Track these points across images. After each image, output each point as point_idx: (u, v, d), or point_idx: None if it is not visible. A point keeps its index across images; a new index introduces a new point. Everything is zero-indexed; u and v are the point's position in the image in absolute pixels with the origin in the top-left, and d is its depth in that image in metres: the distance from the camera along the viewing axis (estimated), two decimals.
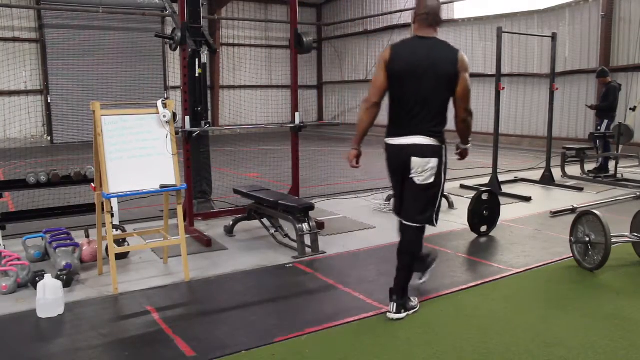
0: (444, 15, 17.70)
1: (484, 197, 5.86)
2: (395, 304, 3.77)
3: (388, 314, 3.78)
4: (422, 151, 3.67)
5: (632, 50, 12.97)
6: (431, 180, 3.69)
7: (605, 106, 9.92)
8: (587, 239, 4.69)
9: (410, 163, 3.69)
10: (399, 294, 3.79)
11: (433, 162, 3.67)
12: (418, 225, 3.80)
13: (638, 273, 4.68)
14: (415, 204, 3.77)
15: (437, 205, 3.81)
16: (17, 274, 4.28)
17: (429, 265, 4.40)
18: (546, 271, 4.76)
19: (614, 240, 4.54)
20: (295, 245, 5.26)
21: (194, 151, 6.58)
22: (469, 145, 4.03)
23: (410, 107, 3.70)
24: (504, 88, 8.20)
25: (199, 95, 6.40)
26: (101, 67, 16.91)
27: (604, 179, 9.18)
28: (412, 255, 3.86)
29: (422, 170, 3.67)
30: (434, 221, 3.83)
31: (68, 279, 4.32)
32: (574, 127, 14.28)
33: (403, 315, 3.77)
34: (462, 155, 4.12)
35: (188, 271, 4.55)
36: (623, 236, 4.86)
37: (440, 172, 3.72)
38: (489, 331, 3.55)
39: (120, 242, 5.01)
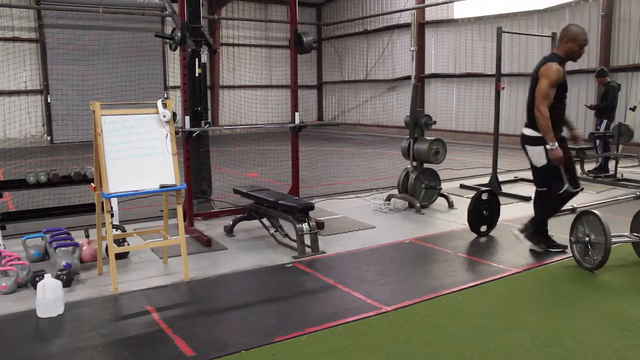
0: (444, 15, 17.73)
1: (484, 197, 5.86)
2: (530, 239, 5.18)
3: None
4: (529, 140, 4.91)
5: (632, 50, 12.97)
6: (543, 162, 4.83)
7: (605, 106, 9.93)
8: (587, 238, 4.69)
9: (526, 149, 4.98)
10: (536, 233, 5.17)
11: (538, 148, 4.83)
12: (539, 189, 5.12)
13: (638, 273, 4.68)
14: (535, 177, 5.13)
15: (558, 179, 4.87)
16: (17, 273, 4.29)
17: (549, 245, 5.21)
18: (546, 271, 4.76)
19: (613, 240, 4.54)
20: (295, 245, 5.26)
21: (194, 151, 6.59)
22: (549, 146, 4.74)
23: (526, 104, 5.03)
24: (503, 88, 8.21)
25: (199, 95, 6.40)
26: (101, 67, 16.94)
27: (604, 178, 9.18)
28: (535, 212, 5.20)
29: (532, 154, 4.91)
30: (555, 192, 4.93)
31: (68, 278, 4.32)
32: None
33: (539, 249, 5.16)
34: (550, 155, 4.79)
35: (188, 271, 4.56)
36: (623, 236, 4.86)
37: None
38: (489, 331, 3.55)
39: (120, 242, 5.01)
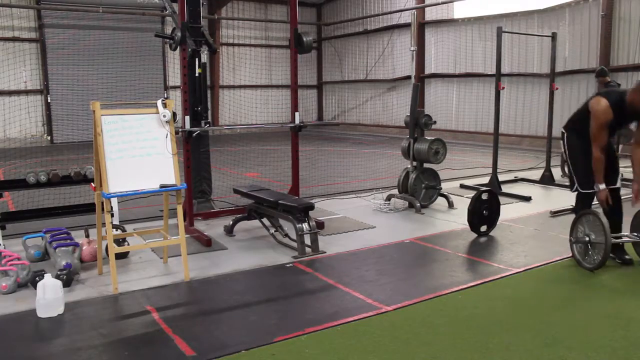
0: (444, 15, 17.73)
1: (484, 196, 5.86)
2: None
3: None
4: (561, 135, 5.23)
5: (632, 49, 12.97)
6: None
7: None
8: (587, 238, 4.69)
9: None
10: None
11: (562, 143, 5.19)
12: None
13: (638, 273, 4.68)
14: None
15: (574, 175, 4.96)
16: (17, 273, 4.29)
17: None
18: (546, 271, 4.76)
19: (614, 240, 4.54)
20: (295, 245, 5.26)
21: (194, 151, 6.59)
22: (596, 187, 4.75)
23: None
24: (503, 88, 8.20)
25: (199, 95, 6.40)
26: (101, 67, 16.94)
27: None
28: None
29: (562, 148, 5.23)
30: (574, 189, 5.00)
31: (68, 278, 4.32)
32: None
33: None
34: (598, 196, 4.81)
35: (188, 271, 4.56)
36: (623, 236, 4.86)
37: (565, 152, 5.12)
38: (489, 331, 3.55)
39: (120, 241, 5.01)
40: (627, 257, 4.84)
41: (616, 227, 4.89)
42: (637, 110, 4.66)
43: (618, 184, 5.00)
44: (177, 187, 4.55)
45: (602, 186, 4.71)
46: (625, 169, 9.95)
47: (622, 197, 7.65)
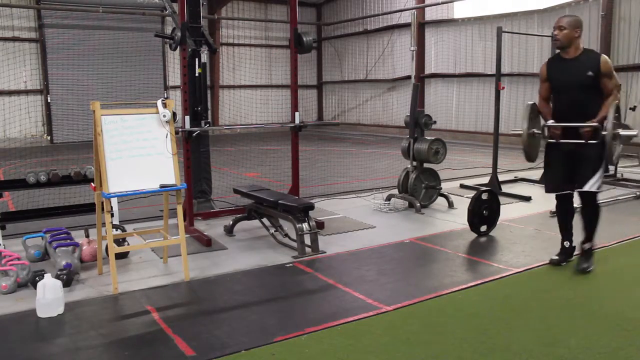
0: (444, 15, 17.74)
1: (484, 196, 5.86)
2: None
3: None
4: None
5: (632, 50, 12.97)
6: None
7: None
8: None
9: None
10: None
11: None
12: None
13: (638, 273, 4.68)
14: None
15: None
16: (17, 273, 4.29)
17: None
18: (546, 271, 4.76)
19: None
20: (295, 244, 5.26)
21: (194, 151, 6.59)
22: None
23: None
24: (504, 87, 8.20)
25: (199, 95, 6.40)
26: (101, 67, 16.94)
27: (604, 178, 9.16)
28: None
29: None
30: None
31: (68, 278, 4.32)
32: None
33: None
34: None
35: (188, 271, 4.56)
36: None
37: None
38: (489, 331, 3.55)
39: (120, 241, 5.01)
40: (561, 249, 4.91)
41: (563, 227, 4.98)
42: (557, 47, 4.91)
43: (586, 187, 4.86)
44: (177, 187, 4.55)
45: (549, 122, 4.76)
46: (625, 169, 9.97)
47: (622, 197, 7.69)
